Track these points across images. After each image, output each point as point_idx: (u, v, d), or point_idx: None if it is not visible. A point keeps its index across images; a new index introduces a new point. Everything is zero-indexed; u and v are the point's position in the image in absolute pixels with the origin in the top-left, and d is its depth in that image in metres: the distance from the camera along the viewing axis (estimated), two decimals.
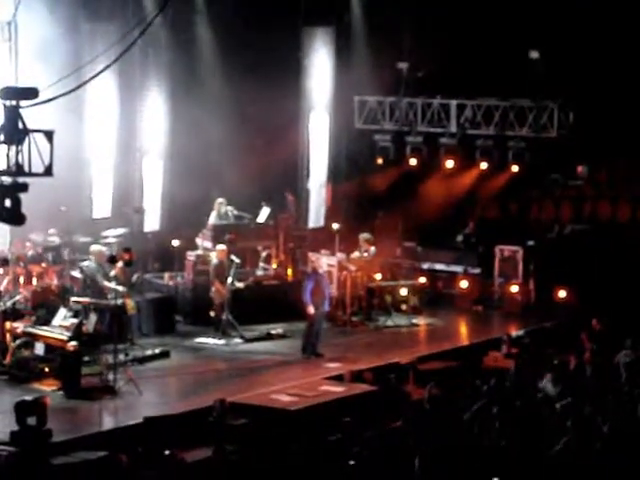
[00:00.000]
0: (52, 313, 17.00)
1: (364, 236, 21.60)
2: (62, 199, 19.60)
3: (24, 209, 13.99)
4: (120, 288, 17.73)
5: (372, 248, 21.41)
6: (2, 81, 16.85)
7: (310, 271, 19.77)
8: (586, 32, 21.67)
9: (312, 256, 21.10)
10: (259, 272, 21.42)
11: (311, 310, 18.69)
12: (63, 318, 16.72)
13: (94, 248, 18.41)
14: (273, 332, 19.92)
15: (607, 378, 15.62)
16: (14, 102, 13.76)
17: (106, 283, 17.73)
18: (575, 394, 14.57)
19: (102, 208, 21.77)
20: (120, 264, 17.74)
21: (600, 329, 18.13)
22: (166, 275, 20.97)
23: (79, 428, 14.86)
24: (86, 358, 16.67)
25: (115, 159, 21.91)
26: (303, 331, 19.00)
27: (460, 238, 23.82)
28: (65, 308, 16.93)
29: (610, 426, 12.97)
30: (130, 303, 18.06)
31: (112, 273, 17.83)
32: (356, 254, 21.43)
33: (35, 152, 13.74)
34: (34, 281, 18.14)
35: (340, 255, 21.34)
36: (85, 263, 18.29)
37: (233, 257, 19.71)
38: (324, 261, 19.40)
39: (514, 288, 22.47)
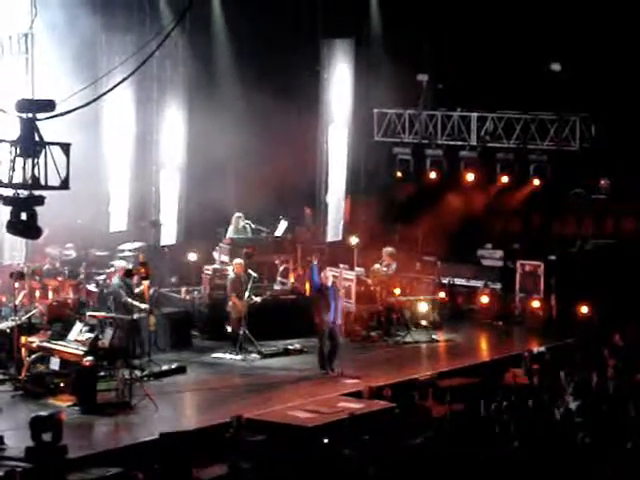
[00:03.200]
0: (68, 328, 16.93)
1: (388, 250, 21.42)
2: (78, 212, 19.51)
3: (40, 222, 13.92)
4: (143, 305, 17.63)
5: (394, 264, 21.21)
6: (19, 93, 16.83)
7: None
8: (608, 44, 21.46)
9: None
10: (276, 286, 21.27)
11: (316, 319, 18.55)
12: (79, 333, 16.63)
13: (117, 264, 18.34)
14: (290, 347, 19.74)
15: (630, 395, 15.37)
16: (30, 115, 13.69)
17: (129, 300, 17.63)
18: (597, 411, 14.38)
19: (119, 222, 21.67)
20: (144, 282, 17.67)
21: (622, 345, 17.88)
22: (183, 289, 20.83)
23: (95, 444, 14.79)
24: (102, 373, 16.58)
25: (132, 172, 21.83)
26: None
27: (497, 255, 23.45)
28: (81, 323, 16.85)
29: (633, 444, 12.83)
30: (152, 319, 17.96)
31: (137, 290, 17.79)
32: (376, 266, 21.25)
33: (52, 165, 13.64)
34: (50, 295, 18.08)
35: (358, 269, 21.15)
36: (103, 279, 18.25)
37: (250, 271, 19.58)
38: (329, 274, 19.19)
39: (535, 303, 22.24)
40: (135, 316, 17.40)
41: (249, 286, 19.48)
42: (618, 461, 12.49)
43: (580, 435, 13.51)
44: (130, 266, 18.39)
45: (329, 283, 18.83)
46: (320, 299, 18.67)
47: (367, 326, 21.00)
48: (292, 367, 18.91)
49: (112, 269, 19.22)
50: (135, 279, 17.97)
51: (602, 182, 23.24)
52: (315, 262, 19.56)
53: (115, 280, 18.07)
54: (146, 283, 17.81)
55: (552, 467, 12.60)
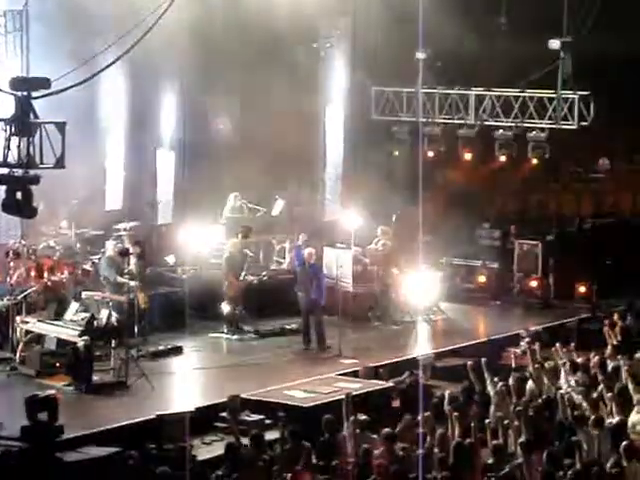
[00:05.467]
0: (63, 307, 16.87)
1: (383, 229, 21.37)
2: (74, 191, 19.39)
3: (35, 201, 13.84)
4: (132, 282, 17.54)
5: (389, 243, 21.15)
6: (13, 71, 16.68)
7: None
8: (608, 21, 21.30)
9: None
10: (273, 266, 21.18)
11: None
12: (74, 312, 16.59)
13: (107, 243, 18.29)
14: (287, 327, 19.69)
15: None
16: (25, 93, 13.59)
17: (119, 278, 17.57)
18: (595, 391, 14.36)
19: (114, 200, 21.53)
20: (134, 260, 17.59)
21: (622, 324, 17.82)
22: (179, 269, 20.69)
23: (90, 424, 14.68)
24: (98, 353, 16.51)
25: (128, 150, 21.66)
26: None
27: (495, 234, 23.39)
28: (77, 302, 16.77)
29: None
30: (143, 297, 17.86)
31: (128, 268, 17.71)
32: (372, 246, 21.18)
33: (47, 143, 13.55)
34: (45, 274, 17.95)
35: (356, 248, 21.06)
36: (98, 258, 18.18)
37: (246, 250, 19.49)
38: (313, 251, 19.16)
39: (533, 283, 22.20)
40: (131, 296, 17.33)
41: (245, 265, 19.41)
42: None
43: (577, 413, 13.49)
44: (121, 245, 18.34)
45: (312, 261, 18.82)
46: (301, 276, 18.68)
47: (364, 306, 20.93)
48: (289, 347, 18.87)
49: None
50: (131, 258, 17.90)
51: (600, 161, 23.14)
52: (300, 242, 19.51)
53: (104, 260, 18.03)
54: (133, 261, 17.69)
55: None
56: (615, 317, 18.02)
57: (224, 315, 19.40)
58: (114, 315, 16.64)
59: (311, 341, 18.68)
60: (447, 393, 14.54)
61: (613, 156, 23.06)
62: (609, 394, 13.95)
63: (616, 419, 13.21)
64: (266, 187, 21.98)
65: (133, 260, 17.77)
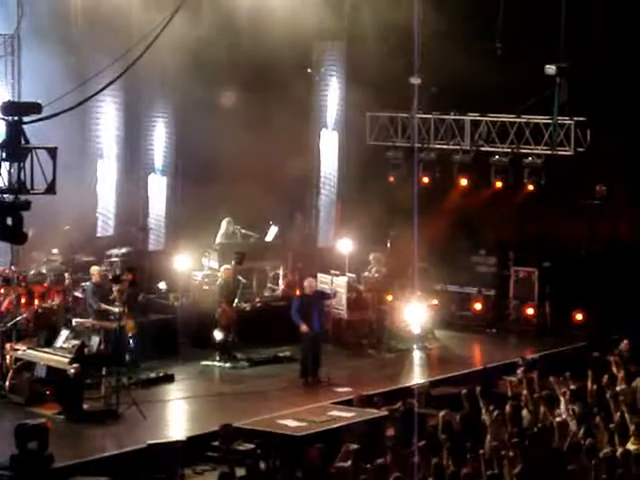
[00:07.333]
0: (54, 334, 16.72)
1: (375, 256, 21.24)
2: (65, 217, 19.24)
3: (25, 227, 13.70)
4: (116, 309, 17.32)
5: (383, 269, 21.02)
6: (4, 96, 16.58)
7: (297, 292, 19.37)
8: (605, 47, 21.27)
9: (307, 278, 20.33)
10: (266, 293, 21.03)
11: (304, 328, 18.25)
12: (65, 339, 16.47)
13: (92, 269, 18.14)
14: (281, 355, 19.53)
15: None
16: (16, 118, 13.48)
17: (102, 305, 17.40)
18: (592, 420, 14.21)
19: (106, 226, 21.38)
20: (116, 287, 17.40)
21: (629, 353, 17.67)
22: (171, 296, 20.52)
23: (81, 453, 14.58)
24: (88, 381, 16.35)
25: (120, 176, 21.52)
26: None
27: (491, 261, 23.30)
28: (67, 329, 16.64)
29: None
30: (130, 323, 17.69)
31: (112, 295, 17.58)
32: (366, 274, 21.04)
33: (38, 169, 13.44)
34: (36, 301, 17.80)
35: (350, 275, 20.93)
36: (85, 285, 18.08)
37: (239, 277, 19.34)
38: (312, 282, 18.95)
39: (530, 310, 22.10)
40: (121, 323, 17.17)
41: (238, 292, 19.26)
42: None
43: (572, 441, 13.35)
44: (107, 272, 18.20)
45: (310, 291, 18.62)
46: (301, 308, 18.48)
47: (359, 333, 20.78)
48: (282, 375, 18.73)
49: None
50: (114, 285, 17.71)
51: (597, 187, 23.00)
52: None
53: (88, 286, 17.92)
54: (116, 287, 17.49)
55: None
56: (624, 345, 17.84)
57: (216, 343, 19.24)
58: (105, 342, 16.47)
59: (308, 372, 18.39)
60: (440, 420, 14.38)
61: (610, 182, 22.91)
62: (610, 424, 13.82)
63: (620, 450, 13.05)
64: (260, 213, 21.85)
65: (115, 287, 17.53)
